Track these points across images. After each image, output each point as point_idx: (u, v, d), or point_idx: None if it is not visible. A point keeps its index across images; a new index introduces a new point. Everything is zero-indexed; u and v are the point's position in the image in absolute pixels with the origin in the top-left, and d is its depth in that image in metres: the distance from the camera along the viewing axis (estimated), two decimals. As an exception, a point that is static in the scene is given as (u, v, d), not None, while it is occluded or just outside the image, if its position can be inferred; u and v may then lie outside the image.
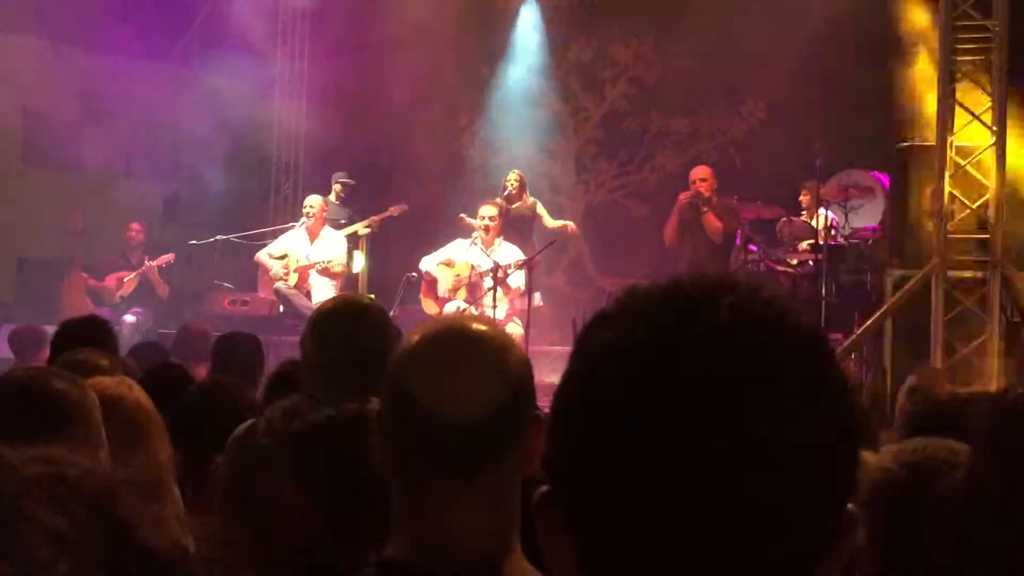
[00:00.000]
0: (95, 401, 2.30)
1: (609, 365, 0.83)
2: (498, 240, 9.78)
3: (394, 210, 11.37)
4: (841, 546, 0.84)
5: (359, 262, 11.32)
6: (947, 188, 8.51)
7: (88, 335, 4.32)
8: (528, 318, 9.40)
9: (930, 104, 8.98)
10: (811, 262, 9.40)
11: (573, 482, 0.84)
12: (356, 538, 2.23)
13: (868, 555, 1.91)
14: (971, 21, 8.57)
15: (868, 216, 10.22)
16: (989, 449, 1.80)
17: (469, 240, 9.88)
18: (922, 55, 9.66)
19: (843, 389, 0.84)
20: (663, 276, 0.87)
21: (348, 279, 10.66)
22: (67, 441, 2.05)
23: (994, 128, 8.46)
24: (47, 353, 4.93)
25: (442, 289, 9.87)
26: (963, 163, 8.52)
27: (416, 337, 1.60)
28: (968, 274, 8.56)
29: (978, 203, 8.49)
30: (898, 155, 9.46)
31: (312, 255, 10.22)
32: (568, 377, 0.87)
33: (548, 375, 6.69)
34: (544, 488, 0.87)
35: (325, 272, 10.14)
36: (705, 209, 9.81)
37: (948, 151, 8.53)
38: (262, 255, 10.55)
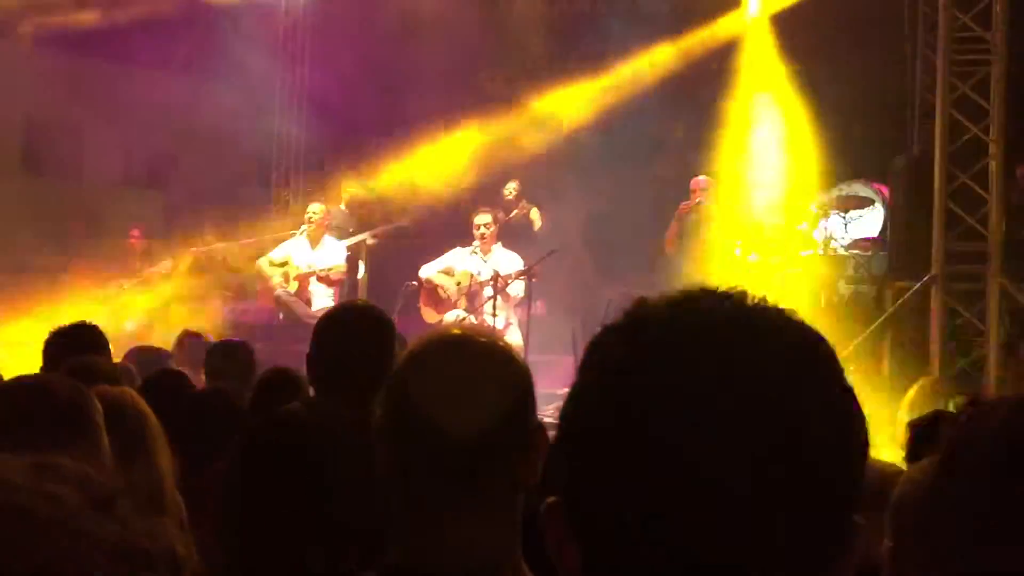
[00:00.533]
0: (99, 408, 2.31)
1: (619, 380, 0.83)
2: (495, 246, 9.81)
3: (403, 221, 11.37)
4: (848, 556, 0.84)
5: (360, 270, 11.30)
6: (946, 199, 8.52)
7: (79, 341, 4.30)
8: (528, 327, 9.40)
9: (930, 115, 8.99)
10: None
11: (582, 493, 0.84)
12: (354, 545, 2.23)
13: (893, 565, 1.91)
14: (970, 32, 8.59)
15: (868, 226, 10.22)
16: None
17: (468, 248, 9.91)
18: (922, 66, 9.69)
19: (850, 400, 0.85)
20: (663, 285, 0.87)
21: (348, 287, 10.65)
22: (71, 449, 2.05)
23: (993, 139, 8.48)
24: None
25: (446, 293, 9.89)
26: (962, 176, 8.54)
27: (418, 347, 1.61)
28: (967, 285, 8.57)
29: (977, 215, 8.50)
30: (898, 166, 9.47)
31: (313, 262, 10.22)
32: (577, 391, 0.87)
33: (548, 384, 6.67)
34: (552, 499, 0.87)
35: (324, 279, 10.14)
36: (705, 218, 9.82)
37: (947, 162, 8.55)
38: (262, 263, 10.53)
